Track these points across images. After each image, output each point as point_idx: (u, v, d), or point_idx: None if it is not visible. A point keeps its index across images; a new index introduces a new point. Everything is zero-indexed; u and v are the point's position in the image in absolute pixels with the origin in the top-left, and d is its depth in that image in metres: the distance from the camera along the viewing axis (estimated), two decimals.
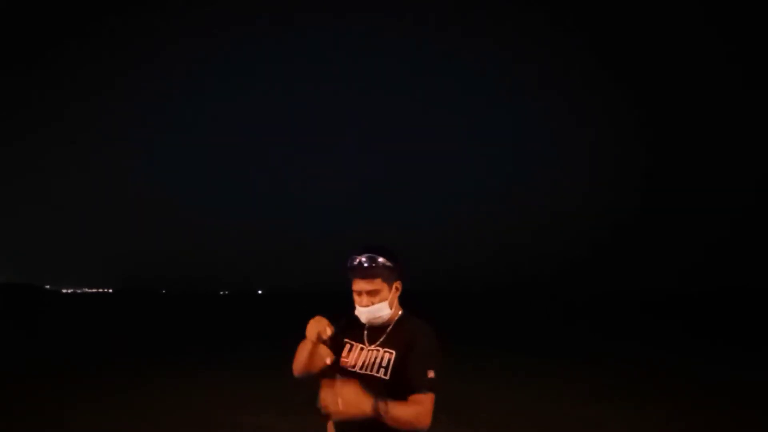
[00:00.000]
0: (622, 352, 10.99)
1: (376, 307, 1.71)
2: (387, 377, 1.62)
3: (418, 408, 1.53)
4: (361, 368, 1.68)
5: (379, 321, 1.73)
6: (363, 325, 1.76)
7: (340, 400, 1.46)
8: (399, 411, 1.51)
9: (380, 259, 1.69)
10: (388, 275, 1.71)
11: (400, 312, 1.78)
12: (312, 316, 1.68)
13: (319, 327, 1.66)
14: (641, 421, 5.20)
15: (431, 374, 1.57)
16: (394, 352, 1.66)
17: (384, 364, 1.64)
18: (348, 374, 1.69)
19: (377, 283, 1.70)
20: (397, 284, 1.75)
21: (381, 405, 1.48)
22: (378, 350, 1.69)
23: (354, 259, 1.71)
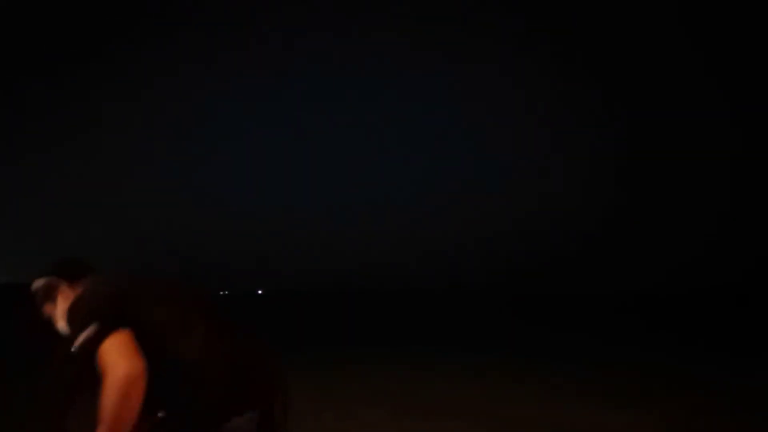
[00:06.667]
0: (610, 354, 10.95)
1: (59, 325, 1.66)
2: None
3: (105, 383, 1.35)
4: None
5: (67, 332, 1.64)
6: None
7: None
8: (105, 424, 1.34)
9: (33, 290, 1.69)
10: (46, 295, 1.68)
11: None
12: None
13: None
14: (639, 426, 5.14)
15: (80, 339, 1.41)
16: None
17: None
18: None
19: (48, 309, 1.69)
20: (62, 289, 1.68)
21: None
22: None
23: None
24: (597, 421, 5.09)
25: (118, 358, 1.36)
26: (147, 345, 1.42)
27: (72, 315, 1.50)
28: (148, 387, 1.41)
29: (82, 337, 1.40)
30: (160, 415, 1.48)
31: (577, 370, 8.28)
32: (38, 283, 1.68)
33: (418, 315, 27.47)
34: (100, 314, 1.43)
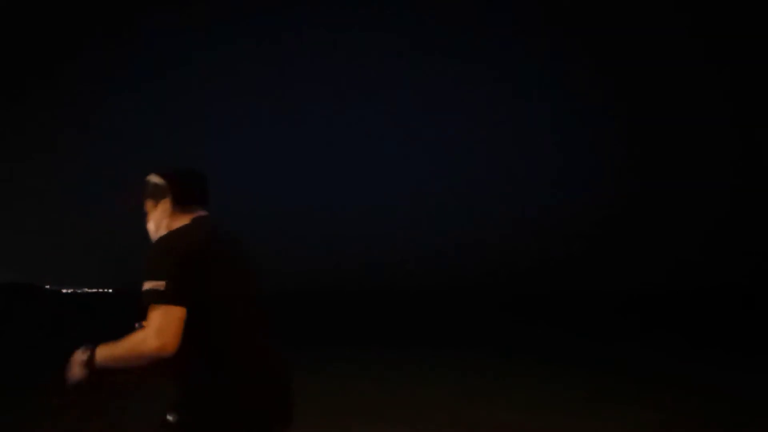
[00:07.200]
0: (609, 354, 10.91)
1: (148, 226, 1.71)
2: None
3: (139, 331, 1.38)
4: None
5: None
6: None
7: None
8: (116, 347, 1.40)
9: (148, 179, 1.70)
10: (153, 194, 1.69)
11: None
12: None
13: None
14: (635, 426, 5.12)
15: (146, 286, 1.42)
16: None
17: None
18: None
19: (148, 205, 1.72)
20: (165, 200, 1.67)
21: (86, 355, 1.43)
22: None
23: None
24: (588, 428, 5.00)
25: (160, 329, 1.36)
26: (193, 323, 1.42)
27: (152, 253, 1.48)
28: (175, 376, 1.46)
29: (147, 286, 1.41)
30: (169, 418, 1.46)
31: (574, 371, 8.24)
32: (154, 179, 1.69)
33: (418, 315, 27.43)
34: (172, 275, 1.41)
